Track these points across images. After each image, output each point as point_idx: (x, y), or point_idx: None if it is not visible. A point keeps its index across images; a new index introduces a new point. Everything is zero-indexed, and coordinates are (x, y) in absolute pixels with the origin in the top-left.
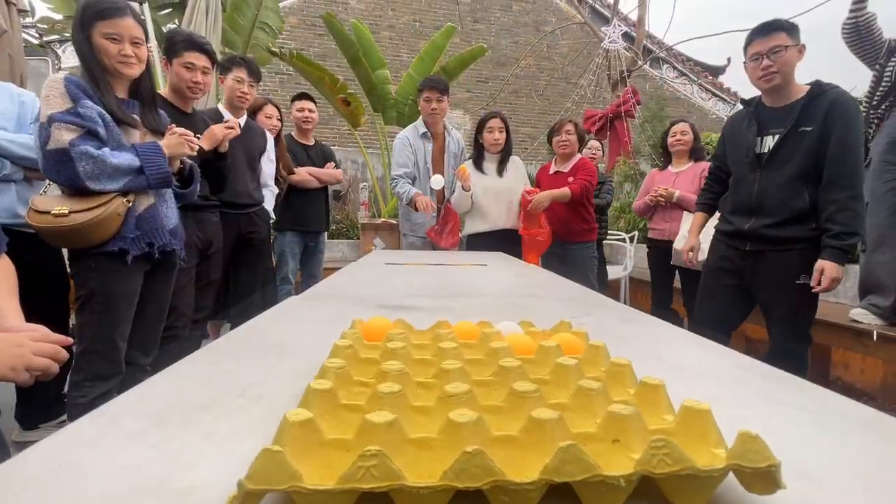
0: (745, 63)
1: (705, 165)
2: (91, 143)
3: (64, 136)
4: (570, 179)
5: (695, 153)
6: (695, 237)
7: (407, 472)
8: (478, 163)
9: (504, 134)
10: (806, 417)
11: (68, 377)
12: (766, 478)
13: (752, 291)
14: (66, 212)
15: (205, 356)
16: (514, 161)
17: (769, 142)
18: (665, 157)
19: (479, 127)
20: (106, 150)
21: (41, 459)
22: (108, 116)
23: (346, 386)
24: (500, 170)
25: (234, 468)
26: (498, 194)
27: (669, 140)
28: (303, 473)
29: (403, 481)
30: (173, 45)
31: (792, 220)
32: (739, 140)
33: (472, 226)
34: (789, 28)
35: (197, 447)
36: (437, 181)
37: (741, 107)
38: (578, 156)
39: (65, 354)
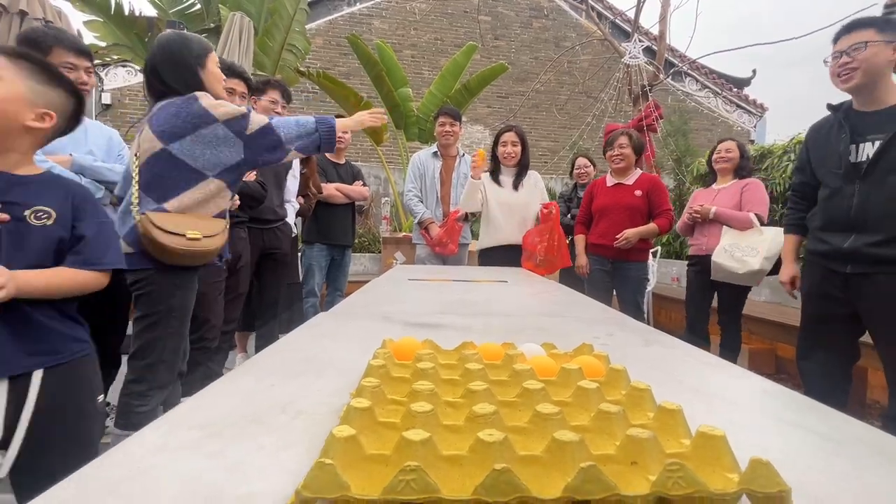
0: (826, 63)
1: (749, 181)
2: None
3: (262, 118)
4: (638, 193)
5: (740, 171)
6: (791, 264)
7: (440, 485)
8: (494, 175)
9: (518, 147)
10: (827, 445)
11: (126, 388)
12: (777, 503)
13: (863, 321)
14: (199, 237)
15: (248, 371)
16: (532, 176)
17: (867, 149)
18: (711, 174)
19: (496, 140)
20: (288, 118)
21: (118, 465)
22: None
23: (381, 404)
24: (516, 184)
25: (284, 478)
26: (512, 209)
27: (714, 157)
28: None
29: (440, 494)
30: None
31: None
32: (828, 149)
33: (485, 240)
34: (880, 24)
35: (251, 458)
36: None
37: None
38: (639, 171)
39: None
